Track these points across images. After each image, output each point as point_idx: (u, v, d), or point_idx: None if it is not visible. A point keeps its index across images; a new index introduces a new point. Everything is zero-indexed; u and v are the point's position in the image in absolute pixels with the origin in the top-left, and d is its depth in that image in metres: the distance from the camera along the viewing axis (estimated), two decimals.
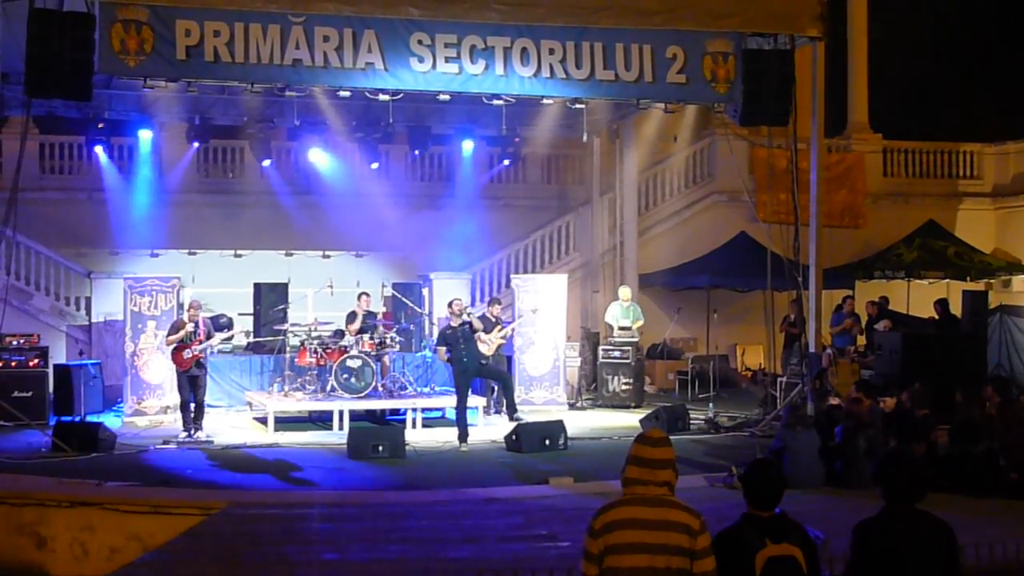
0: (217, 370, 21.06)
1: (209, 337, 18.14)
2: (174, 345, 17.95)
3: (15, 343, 19.77)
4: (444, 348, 18.33)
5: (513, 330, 21.09)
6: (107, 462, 15.85)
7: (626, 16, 18.34)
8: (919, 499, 6.41)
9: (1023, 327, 23.54)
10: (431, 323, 22.99)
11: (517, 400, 20.00)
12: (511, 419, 18.67)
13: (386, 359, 20.64)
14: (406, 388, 20.47)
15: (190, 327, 17.97)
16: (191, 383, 17.95)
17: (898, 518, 6.37)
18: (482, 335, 19.96)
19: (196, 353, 17.84)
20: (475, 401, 19.70)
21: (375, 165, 25.51)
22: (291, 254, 27.09)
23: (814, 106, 19.83)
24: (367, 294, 21.18)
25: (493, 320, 20.58)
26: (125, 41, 16.62)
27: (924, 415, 15.49)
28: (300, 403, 19.80)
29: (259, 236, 26.65)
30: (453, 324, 18.24)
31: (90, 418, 18.83)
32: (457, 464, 16.41)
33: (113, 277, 23.45)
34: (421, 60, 17.88)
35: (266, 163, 24.62)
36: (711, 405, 21.16)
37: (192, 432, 17.86)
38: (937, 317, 24.33)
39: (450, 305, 18.65)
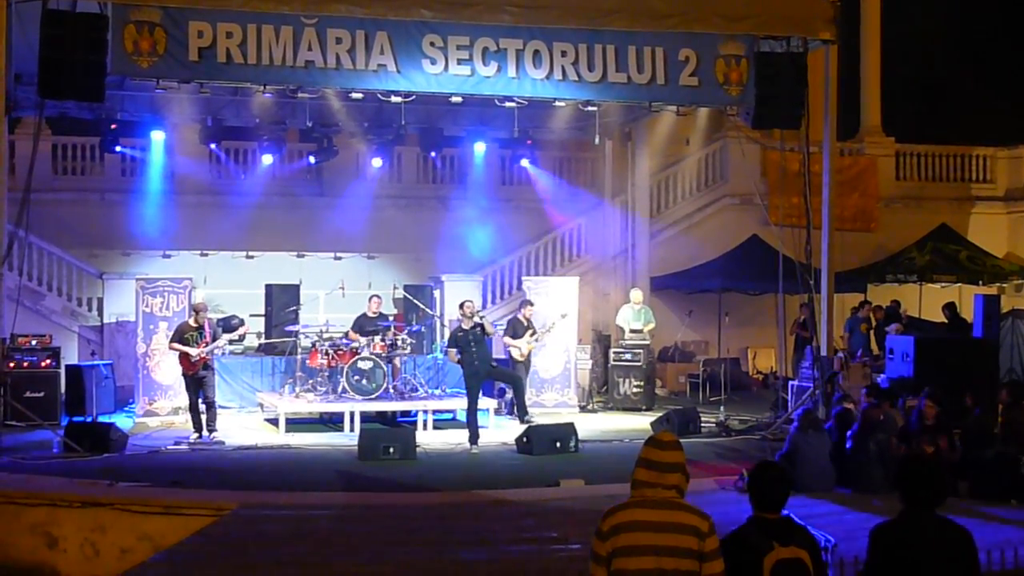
0: (229, 371, 21.11)
1: (215, 339, 18.14)
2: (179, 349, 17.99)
3: (27, 344, 19.81)
4: (455, 350, 18.30)
5: (545, 333, 21.14)
6: (118, 463, 15.83)
7: (638, 18, 18.30)
8: (938, 504, 6.40)
9: None
10: (442, 325, 23.02)
11: (528, 403, 20.00)
12: (522, 422, 18.68)
13: (397, 361, 20.64)
14: (417, 390, 20.48)
15: (194, 329, 17.99)
16: (197, 385, 17.95)
17: (916, 523, 6.36)
18: (514, 339, 20.09)
19: (203, 355, 17.85)
20: (486, 403, 19.72)
21: (377, 161, 25.26)
22: (303, 255, 27.13)
23: (826, 109, 19.77)
24: (378, 296, 21.18)
25: (525, 324, 20.61)
26: (138, 42, 16.63)
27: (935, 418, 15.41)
28: (311, 404, 19.80)
29: (271, 238, 26.69)
30: (465, 326, 18.22)
31: (102, 419, 18.82)
32: (468, 466, 16.40)
33: (125, 278, 23.55)
34: (433, 62, 17.88)
35: (267, 158, 24.32)
36: (722, 408, 21.09)
37: (208, 434, 17.87)
38: (946, 321, 24.27)
39: (461, 307, 18.62)
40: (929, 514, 6.38)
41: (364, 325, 20.45)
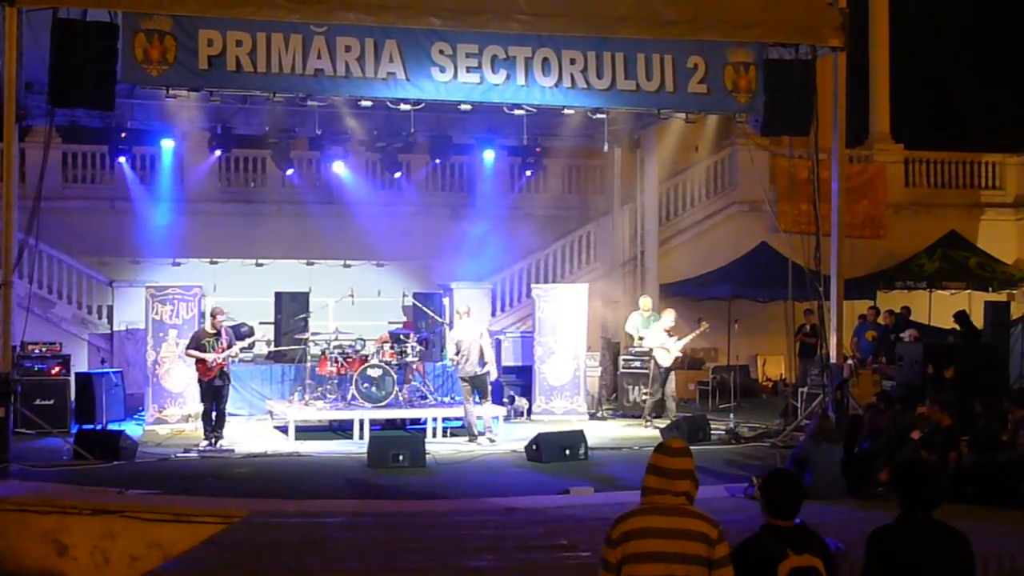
0: (238, 379, 21.09)
1: (231, 346, 18.17)
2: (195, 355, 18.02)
3: (37, 351, 19.85)
4: None
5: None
6: (128, 470, 15.87)
7: (647, 26, 18.27)
8: (934, 507, 6.42)
9: None
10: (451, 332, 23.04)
11: (537, 409, 20.02)
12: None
13: (417, 365, 20.71)
14: (426, 397, 20.49)
15: (211, 335, 18.03)
16: (214, 393, 18.00)
17: (913, 526, 6.38)
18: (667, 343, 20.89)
19: (219, 362, 17.88)
20: (497, 411, 19.78)
21: (398, 174, 25.46)
22: (312, 263, 27.17)
23: (835, 116, 19.72)
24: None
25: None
26: (148, 51, 16.68)
27: (949, 425, 15.37)
28: (321, 412, 19.81)
29: (280, 245, 26.72)
30: None
31: (111, 426, 18.89)
32: (477, 473, 16.39)
33: (135, 286, 23.59)
34: (442, 70, 17.88)
35: (289, 172, 24.60)
36: (732, 415, 21.10)
37: (213, 441, 17.91)
38: (958, 329, 24.21)
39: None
40: (926, 517, 6.40)
41: None
